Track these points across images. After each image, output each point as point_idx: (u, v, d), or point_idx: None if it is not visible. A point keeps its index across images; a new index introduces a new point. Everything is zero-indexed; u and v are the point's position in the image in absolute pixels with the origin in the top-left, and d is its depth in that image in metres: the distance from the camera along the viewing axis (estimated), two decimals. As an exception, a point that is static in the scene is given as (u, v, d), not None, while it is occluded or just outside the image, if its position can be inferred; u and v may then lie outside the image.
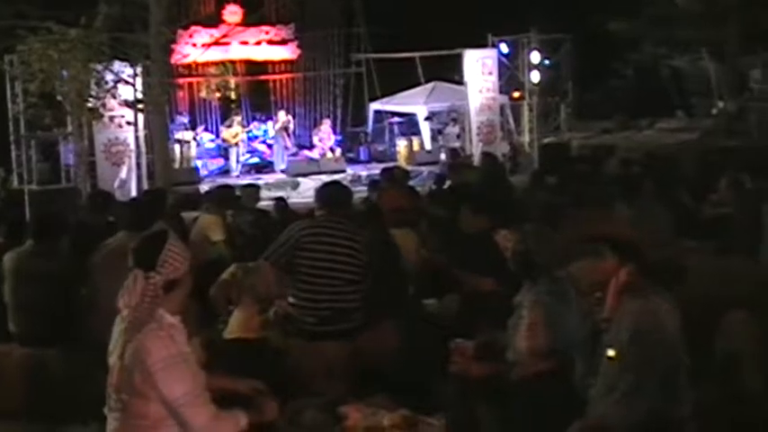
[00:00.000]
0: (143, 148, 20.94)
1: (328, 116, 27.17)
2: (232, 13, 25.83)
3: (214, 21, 25.57)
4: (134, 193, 19.60)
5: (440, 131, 26.26)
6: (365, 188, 15.69)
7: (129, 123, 19.85)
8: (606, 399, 4.43)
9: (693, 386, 4.72)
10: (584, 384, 4.68)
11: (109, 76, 18.37)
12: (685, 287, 7.30)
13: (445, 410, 5.53)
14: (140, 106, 19.37)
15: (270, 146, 25.57)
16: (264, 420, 4.57)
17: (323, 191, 7.29)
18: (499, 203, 9.34)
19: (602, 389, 4.48)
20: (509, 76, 27.25)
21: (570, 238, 4.61)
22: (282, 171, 24.53)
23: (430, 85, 27.11)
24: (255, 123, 26.08)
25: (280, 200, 13.92)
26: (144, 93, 19.25)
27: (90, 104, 18.38)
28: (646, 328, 4.30)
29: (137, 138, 20.67)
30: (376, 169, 18.53)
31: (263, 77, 27.63)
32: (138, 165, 20.95)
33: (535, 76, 26.70)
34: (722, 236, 10.15)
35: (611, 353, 4.42)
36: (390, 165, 20.61)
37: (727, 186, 11.05)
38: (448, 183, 14.07)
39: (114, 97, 18.71)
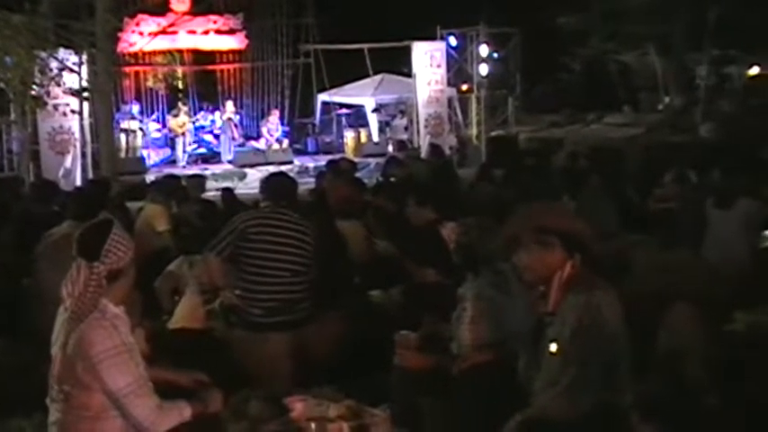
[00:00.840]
0: (88, 137, 20.77)
1: (276, 107, 27.00)
2: (180, 2, 25.57)
3: (161, 9, 25.27)
4: (79, 182, 19.44)
5: (387, 123, 26.28)
6: (312, 179, 15.69)
7: (74, 112, 19.69)
8: (549, 391, 4.47)
9: (637, 377, 4.78)
10: (527, 376, 4.71)
11: (53, 64, 18.17)
12: (629, 280, 7.39)
13: (390, 402, 5.55)
14: (86, 95, 19.20)
15: (217, 136, 25.37)
16: (208, 412, 4.56)
17: (268, 182, 7.26)
18: (445, 196, 9.37)
19: (545, 383, 4.51)
20: (457, 68, 27.33)
21: (520, 228, 4.62)
22: (229, 162, 24.36)
23: (378, 77, 27.08)
24: (202, 113, 25.84)
25: (226, 190, 13.85)
26: (89, 81, 19.05)
27: (34, 92, 18.15)
28: (588, 323, 4.34)
29: (82, 127, 20.49)
30: (323, 161, 18.45)
31: (210, 67, 27.39)
32: (84, 154, 20.78)
33: (483, 69, 26.80)
34: (666, 230, 10.25)
35: (553, 347, 4.46)
36: (337, 156, 20.57)
37: (671, 181, 11.19)
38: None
39: (59, 85, 18.53)
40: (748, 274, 9.01)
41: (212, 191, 17.26)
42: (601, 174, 12.01)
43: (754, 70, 35.21)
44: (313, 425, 4.80)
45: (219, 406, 4.68)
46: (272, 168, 19.14)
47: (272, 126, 25.59)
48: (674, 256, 8.21)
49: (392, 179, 12.90)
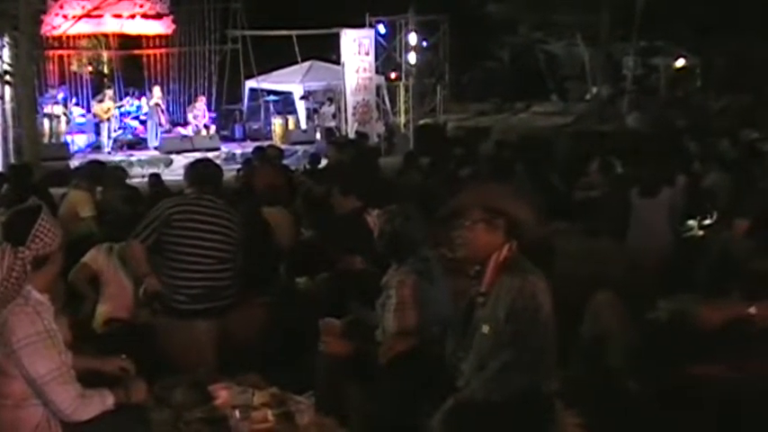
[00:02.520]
0: (10, 122, 20.40)
1: (203, 93, 26.77)
2: (105, -15, 25.25)
3: (87, -8, 24.96)
4: (0, 168, 19.10)
5: (315, 111, 26.21)
6: (239, 166, 15.61)
7: (-5, 96, 19.36)
8: (479, 374, 4.49)
9: (562, 363, 4.83)
10: (454, 359, 4.73)
11: (-27, 47, 17.85)
12: (554, 267, 7.46)
13: (315, 389, 5.55)
14: (7, 78, 18.85)
15: (143, 122, 25.11)
16: (132, 400, 4.51)
17: (192, 168, 7.19)
18: (369, 184, 9.38)
19: (475, 363, 4.53)
20: (386, 56, 27.39)
21: (469, 204, 4.63)
22: (155, 148, 24.15)
23: (306, 64, 27.01)
24: (128, 99, 25.51)
25: (153, 176, 13.73)
26: (11, 65, 18.72)
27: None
28: (523, 307, 4.37)
29: (3, 111, 20.16)
30: (250, 147, 18.38)
31: (136, 52, 27.05)
32: (5, 139, 20.42)
33: (412, 58, 26.90)
34: (592, 218, 10.37)
35: (485, 329, 4.48)
36: (265, 143, 20.50)
37: (597, 170, 11.30)
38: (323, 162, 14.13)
39: (-21, 69, 18.21)
40: (672, 261, 9.15)
41: (138, 177, 17.13)
42: (526, 162, 12.10)
43: (680, 62, 35.71)
44: (237, 412, 4.77)
45: (143, 394, 4.63)
46: (198, 155, 18.94)
47: (199, 112, 25.40)
48: (599, 245, 8.31)
49: (318, 167, 12.89)
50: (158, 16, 26.35)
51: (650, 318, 6.48)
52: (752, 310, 5.99)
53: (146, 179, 13.76)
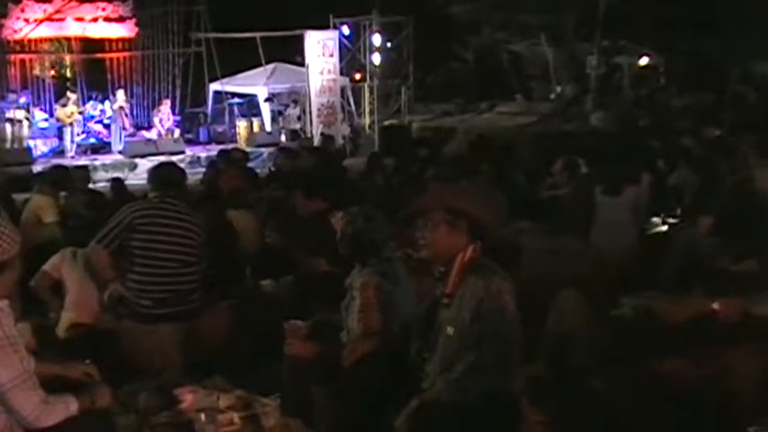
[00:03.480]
0: (-29, 128, 20.25)
1: (167, 96, 26.63)
2: (67, -12, 25.08)
3: (48, -5, 24.78)
4: (-38, 173, 18.94)
5: (280, 113, 26.16)
6: (204, 169, 15.53)
7: (-44, 101, 19.19)
8: (444, 375, 4.50)
9: (526, 361, 4.85)
10: (419, 360, 4.74)
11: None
12: (519, 267, 7.49)
13: (281, 391, 5.54)
14: (-32, 83, 18.72)
15: (107, 126, 24.92)
16: (96, 406, 4.48)
17: (155, 172, 7.18)
18: (333, 186, 9.38)
19: (440, 365, 4.56)
20: (350, 58, 27.37)
21: (432, 205, 4.63)
22: (120, 152, 23.96)
23: (271, 66, 26.93)
24: (92, 103, 25.30)
25: (116, 180, 13.64)
26: (-28, 69, 18.59)
27: None
28: (488, 308, 4.39)
29: (-36, 116, 19.98)
30: (215, 150, 18.28)
31: (99, 55, 26.80)
32: (-33, 144, 20.28)
33: (376, 59, 26.90)
34: (556, 217, 10.41)
35: (450, 330, 4.49)
36: (230, 146, 20.43)
37: (562, 169, 11.34)
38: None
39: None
40: (636, 259, 9.20)
41: (102, 182, 17.01)
42: (491, 162, 12.14)
43: (644, 60, 35.90)
44: (203, 415, 4.77)
45: (107, 400, 4.60)
46: (163, 159, 18.88)
47: (164, 116, 25.26)
48: (563, 243, 8.35)
49: (281, 170, 12.85)
50: (121, 19, 26.19)
51: (614, 315, 6.53)
52: (715, 306, 6.05)
53: (110, 183, 13.63)
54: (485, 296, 4.40)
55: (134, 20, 26.38)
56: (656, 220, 10.56)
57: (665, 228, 10.43)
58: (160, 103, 25.85)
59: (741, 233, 8.17)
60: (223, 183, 9.63)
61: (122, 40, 26.70)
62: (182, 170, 7.51)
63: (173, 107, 26.35)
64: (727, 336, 5.48)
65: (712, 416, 4.81)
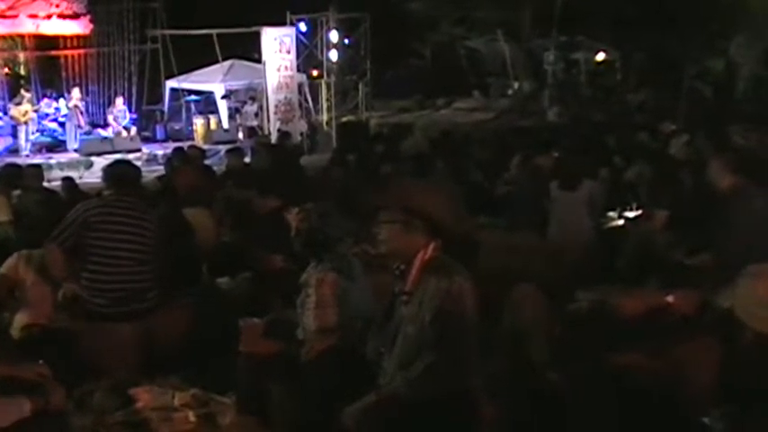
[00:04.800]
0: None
1: (123, 94, 26.41)
2: (20, -15, 24.80)
3: (0, -9, 24.50)
4: None
5: (238, 110, 25.98)
6: (161, 167, 15.46)
7: None
8: (403, 373, 4.50)
9: (485, 358, 4.85)
10: (376, 356, 4.73)
11: None
12: (477, 262, 7.50)
13: (237, 389, 5.51)
14: None
15: (62, 124, 24.68)
16: (50, 407, 4.44)
17: (110, 170, 7.13)
18: (289, 183, 9.38)
19: (398, 362, 4.55)
20: (308, 54, 27.31)
21: (387, 203, 4.63)
22: (75, 150, 23.73)
23: (227, 63, 26.79)
24: (46, 101, 25.06)
25: (67, 179, 13.52)
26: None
27: None
28: (449, 309, 4.39)
29: None
30: (172, 148, 18.18)
31: (53, 53, 26.50)
32: None
33: (334, 55, 26.88)
34: (513, 212, 10.45)
35: (410, 329, 4.49)
36: (187, 144, 20.31)
37: (518, 164, 11.39)
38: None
39: None
40: (592, 253, 9.26)
41: (57, 180, 16.83)
42: (447, 158, 12.16)
43: (601, 56, 36.13)
44: (157, 415, 4.73)
45: (61, 400, 4.56)
46: (119, 157, 18.73)
47: (119, 113, 25.03)
48: (519, 238, 8.39)
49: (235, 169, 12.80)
50: (75, 16, 25.90)
51: (571, 309, 6.57)
52: (669, 299, 6.10)
53: (62, 183, 13.50)
54: (446, 298, 4.40)
55: (89, 17, 26.10)
56: (612, 214, 10.64)
57: (621, 222, 10.50)
58: (115, 101, 25.61)
59: (695, 227, 8.26)
60: (179, 180, 9.59)
61: (77, 37, 26.41)
62: (137, 168, 7.47)
63: (129, 105, 26.15)
64: (682, 328, 5.53)
65: (667, 408, 4.84)
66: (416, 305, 4.48)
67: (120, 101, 25.46)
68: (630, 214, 10.57)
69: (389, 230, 4.57)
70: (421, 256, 4.53)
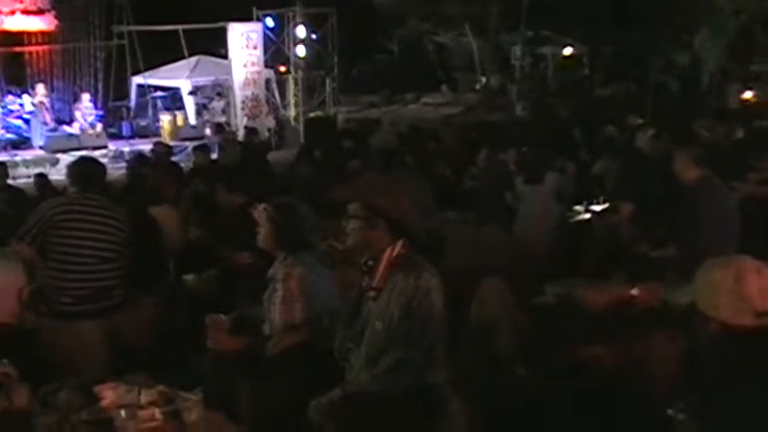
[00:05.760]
0: None
1: (89, 90, 26.21)
2: (-17, -19, 24.56)
3: (-37, -12, 24.25)
4: None
5: (205, 106, 25.89)
6: (128, 164, 15.35)
7: None
8: (370, 368, 4.52)
9: (451, 352, 4.87)
10: (343, 351, 4.74)
11: None
12: (444, 257, 7.52)
13: (204, 385, 5.50)
14: None
15: (27, 121, 24.40)
16: (14, 406, 4.41)
17: (75, 167, 7.06)
18: (256, 179, 9.36)
19: (366, 357, 4.56)
20: (275, 50, 27.25)
21: (350, 199, 4.63)
22: (41, 147, 23.52)
23: (194, 59, 26.68)
24: (11, 97, 24.82)
25: (40, 176, 13.43)
26: None
27: None
28: (417, 306, 4.40)
29: None
30: (139, 145, 18.14)
31: (18, 49, 26.16)
32: None
33: (301, 51, 26.82)
34: (481, 207, 10.48)
35: (378, 325, 4.49)
36: (154, 140, 20.21)
37: (485, 159, 11.42)
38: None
39: None
40: (558, 247, 9.31)
41: (23, 178, 16.74)
42: (415, 153, 12.17)
43: (568, 51, 36.25)
44: (123, 412, 4.70)
45: (25, 400, 4.53)
46: (85, 153, 18.61)
47: (85, 110, 24.83)
48: (486, 233, 8.41)
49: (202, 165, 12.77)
50: (40, 12, 25.64)
51: (537, 303, 6.60)
52: (634, 292, 6.14)
53: (31, 179, 13.41)
54: (414, 294, 4.41)
55: (53, 12, 25.83)
56: (578, 208, 10.67)
57: (587, 216, 10.54)
58: (80, 97, 25.41)
59: (661, 220, 8.31)
60: (146, 177, 9.55)
61: (41, 33, 26.12)
62: (102, 165, 7.41)
63: (95, 101, 25.94)
64: (646, 321, 5.57)
65: (632, 400, 4.88)
66: (385, 301, 4.49)
67: (86, 97, 25.26)
68: (597, 208, 10.61)
69: (353, 227, 4.58)
70: (389, 253, 4.54)
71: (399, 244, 4.54)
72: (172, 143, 19.53)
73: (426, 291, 4.43)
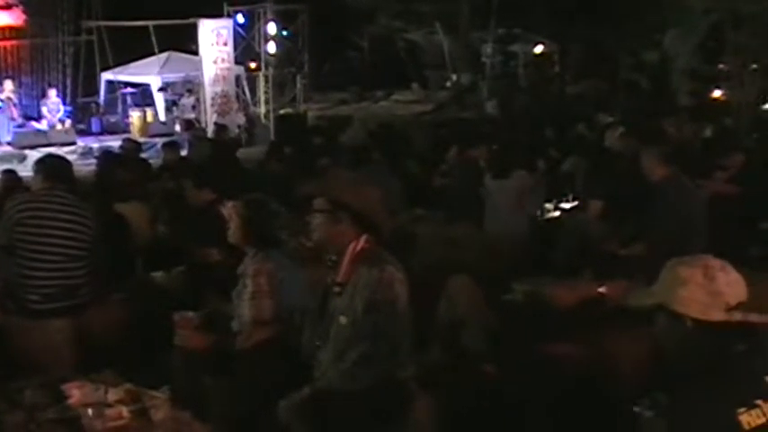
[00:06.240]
0: None
1: (58, 86, 26.01)
2: (-51, -25, 24.36)
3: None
4: None
5: (175, 102, 25.76)
6: (97, 161, 15.27)
7: None
8: (337, 364, 4.52)
9: (418, 349, 4.88)
10: (311, 348, 4.74)
11: None
12: (414, 254, 7.54)
13: (171, 383, 5.48)
14: None
15: (-7, 117, 24.32)
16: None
17: (41, 164, 6.99)
18: (224, 176, 9.34)
19: (333, 353, 4.57)
20: (245, 46, 27.15)
21: (315, 194, 4.63)
22: (8, 143, 23.37)
23: (164, 55, 26.57)
24: (-22, 93, 24.69)
25: (9, 173, 13.29)
26: None
27: None
28: (381, 299, 4.41)
29: None
30: (108, 141, 18.02)
31: (-16, 44, 26.15)
32: None
33: (272, 47, 26.74)
34: (450, 204, 10.50)
35: (343, 320, 4.50)
36: (123, 136, 20.11)
37: (454, 156, 11.43)
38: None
39: None
40: (527, 245, 9.33)
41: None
42: (384, 150, 12.18)
43: (539, 49, 36.35)
44: (90, 410, 4.68)
45: (-8, 397, 4.51)
46: (54, 150, 18.49)
47: (53, 106, 24.64)
48: (456, 230, 8.43)
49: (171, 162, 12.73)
50: (7, 7, 25.45)
51: (506, 300, 6.62)
52: (602, 289, 6.17)
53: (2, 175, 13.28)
54: (378, 287, 4.42)
55: (21, 7, 25.66)
56: (548, 206, 10.71)
57: (557, 213, 10.58)
58: (48, 93, 25.21)
59: (629, 217, 8.35)
60: (115, 174, 9.52)
61: (9, 28, 25.92)
62: (69, 162, 7.36)
63: (63, 97, 25.77)
64: (614, 318, 5.58)
65: (599, 397, 4.90)
66: (349, 296, 4.51)
67: (53, 93, 25.05)
68: (566, 205, 10.65)
69: (317, 222, 4.59)
70: (352, 248, 4.55)
71: (363, 239, 4.55)
72: (141, 139, 19.47)
73: (390, 283, 4.44)
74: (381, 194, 4.84)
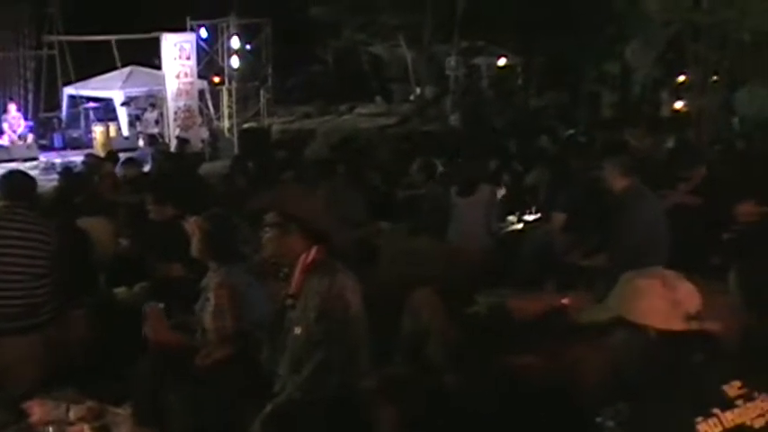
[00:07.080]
0: None
1: (18, 101, 25.80)
2: None
3: None
4: None
5: (138, 117, 25.65)
6: (59, 176, 15.18)
7: None
8: (295, 376, 4.53)
9: (382, 360, 4.88)
10: (271, 363, 4.74)
11: None
12: (377, 267, 7.54)
13: (133, 399, 5.45)
14: None
15: (-47, 132, 24.10)
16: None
17: (3, 182, 6.93)
18: (186, 191, 9.31)
19: (290, 365, 4.58)
20: (208, 60, 27.10)
21: (265, 208, 4.64)
22: (-31, 159, 23.21)
23: (127, 70, 26.48)
24: (-63, 108, 24.49)
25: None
26: None
27: None
28: (331, 307, 4.43)
29: None
30: (71, 156, 17.89)
31: (-57, 58, 25.92)
32: None
33: (235, 62, 26.73)
34: (413, 217, 10.51)
35: (297, 330, 4.51)
36: (86, 151, 19.99)
37: (418, 169, 11.45)
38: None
39: None
40: (490, 257, 9.35)
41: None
42: (347, 164, 12.19)
43: (502, 61, 36.49)
44: (51, 428, 4.66)
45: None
46: (16, 165, 18.33)
47: (14, 120, 24.45)
48: (419, 243, 8.42)
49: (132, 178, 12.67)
50: (-34, 21, 25.33)
51: (469, 313, 6.63)
52: (565, 300, 6.20)
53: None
54: (327, 295, 4.45)
55: (-17, 22, 25.56)
56: (511, 218, 10.75)
57: (520, 226, 10.62)
58: (8, 108, 25.00)
59: (591, 229, 8.40)
60: (77, 189, 9.46)
61: (-31, 42, 25.82)
62: (31, 178, 7.28)
63: (25, 112, 25.61)
64: (576, 330, 5.60)
65: (562, 408, 4.92)
66: (302, 307, 4.53)
67: (13, 107, 24.85)
68: (530, 218, 10.70)
69: (269, 234, 4.60)
70: (303, 259, 4.57)
71: (314, 250, 4.57)
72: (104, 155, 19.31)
73: (340, 290, 4.46)
74: (330, 204, 4.86)
